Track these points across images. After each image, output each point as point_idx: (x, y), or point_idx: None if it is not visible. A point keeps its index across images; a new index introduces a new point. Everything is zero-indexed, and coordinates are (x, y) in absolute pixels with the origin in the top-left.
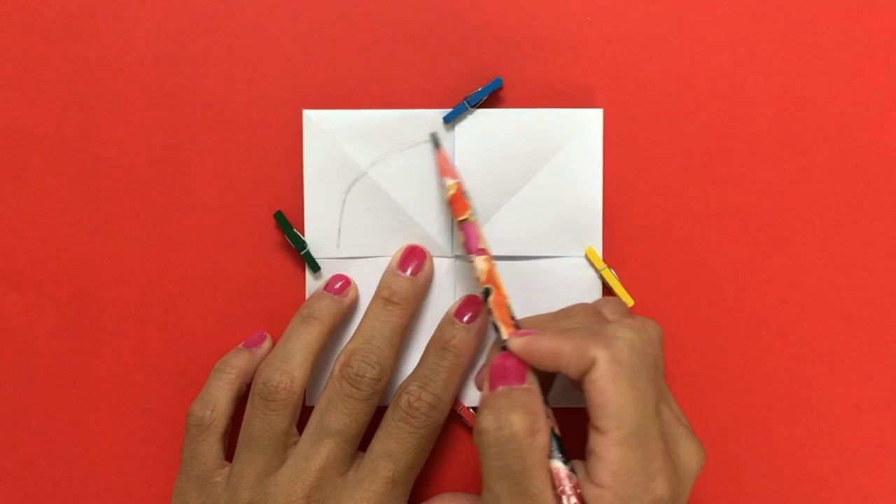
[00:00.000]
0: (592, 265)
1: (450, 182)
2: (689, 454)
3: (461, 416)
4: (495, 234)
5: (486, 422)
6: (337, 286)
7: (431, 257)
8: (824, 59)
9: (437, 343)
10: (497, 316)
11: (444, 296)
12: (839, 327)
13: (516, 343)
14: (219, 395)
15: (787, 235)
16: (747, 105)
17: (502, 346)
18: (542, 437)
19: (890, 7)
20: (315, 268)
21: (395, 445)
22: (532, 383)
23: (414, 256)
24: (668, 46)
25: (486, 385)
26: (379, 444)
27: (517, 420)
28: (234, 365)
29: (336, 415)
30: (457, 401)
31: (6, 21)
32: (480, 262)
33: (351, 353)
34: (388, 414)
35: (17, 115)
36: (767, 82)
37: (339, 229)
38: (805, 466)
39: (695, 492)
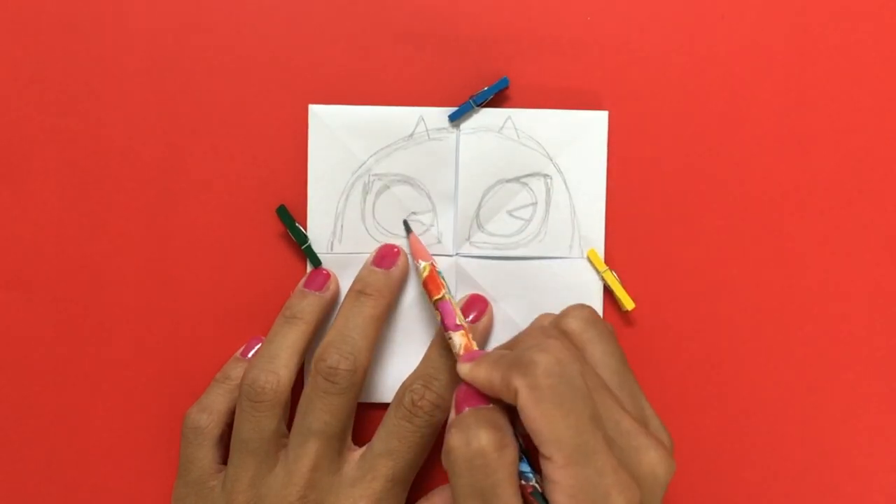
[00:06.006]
0: (594, 267)
1: (423, 264)
2: (653, 464)
3: None
4: (497, 234)
5: (454, 440)
6: (317, 282)
7: (406, 254)
8: (828, 61)
9: (442, 342)
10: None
11: None
12: (841, 328)
13: (462, 370)
14: (216, 401)
15: (790, 238)
16: (752, 108)
17: None
18: (511, 453)
19: (891, 7)
20: (316, 263)
21: (397, 444)
22: (497, 403)
23: (389, 255)
24: (675, 50)
25: (452, 411)
26: (380, 441)
27: (484, 435)
28: (233, 376)
29: (316, 413)
30: None
31: (6, 21)
32: (459, 338)
33: (325, 347)
34: (391, 412)
35: (17, 115)
36: (772, 85)
37: (342, 225)
38: (807, 467)
39: (700, 494)
